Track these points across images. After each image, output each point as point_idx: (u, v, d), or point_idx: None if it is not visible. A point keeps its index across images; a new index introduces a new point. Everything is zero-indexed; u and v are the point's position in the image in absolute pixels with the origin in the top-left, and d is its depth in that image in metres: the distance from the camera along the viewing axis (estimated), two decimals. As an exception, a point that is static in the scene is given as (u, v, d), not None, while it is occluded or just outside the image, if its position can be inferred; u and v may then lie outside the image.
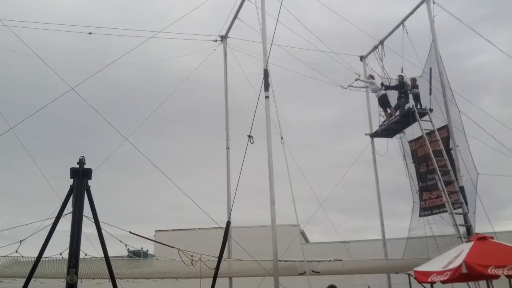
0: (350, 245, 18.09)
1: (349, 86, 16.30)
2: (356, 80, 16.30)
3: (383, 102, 16.01)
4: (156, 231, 21.94)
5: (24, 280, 6.27)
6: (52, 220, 6.20)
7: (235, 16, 14.78)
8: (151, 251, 18.55)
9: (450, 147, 14.08)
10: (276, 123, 11.22)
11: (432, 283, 9.63)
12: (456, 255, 8.95)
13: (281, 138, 10.92)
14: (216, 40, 15.94)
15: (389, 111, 15.93)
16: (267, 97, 11.02)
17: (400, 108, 15.35)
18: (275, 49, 11.35)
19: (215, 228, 10.62)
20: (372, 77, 16.45)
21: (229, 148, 14.87)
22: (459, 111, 14.36)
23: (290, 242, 11.96)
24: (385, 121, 16.17)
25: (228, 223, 9.57)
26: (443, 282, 8.79)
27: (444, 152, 13.86)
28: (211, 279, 8.61)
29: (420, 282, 10.24)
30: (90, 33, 13.86)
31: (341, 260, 12.45)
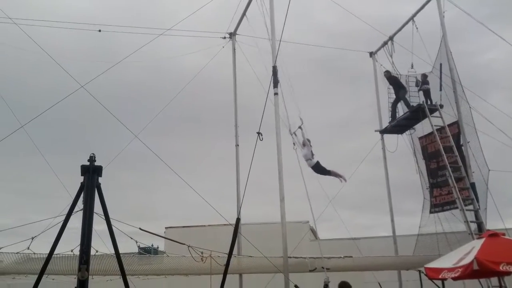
0: (360, 241, 18.03)
1: (293, 132, 13.43)
2: (299, 128, 13.34)
3: (318, 169, 13.51)
4: (166, 228, 22.03)
5: (36, 276, 6.31)
6: (63, 217, 6.24)
7: (244, 13, 14.76)
8: (161, 248, 18.61)
9: (461, 143, 13.99)
10: (285, 119, 11.23)
11: (443, 279, 9.59)
12: (467, 252, 8.89)
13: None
14: (224, 37, 15.94)
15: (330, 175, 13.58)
16: (276, 94, 11.02)
17: (403, 100, 15.38)
18: (283, 47, 11.32)
19: (224, 225, 10.64)
20: (308, 140, 13.44)
21: (238, 145, 14.88)
22: (470, 107, 14.25)
23: (300, 239, 11.94)
24: (393, 120, 16.09)
25: (238, 220, 9.59)
26: (454, 278, 8.73)
27: (454, 148, 13.76)
28: (221, 275, 8.65)
29: (431, 279, 10.20)
30: (99, 30, 13.97)
31: (351, 256, 12.42)
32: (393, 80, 15.88)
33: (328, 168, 13.29)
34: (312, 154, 13.32)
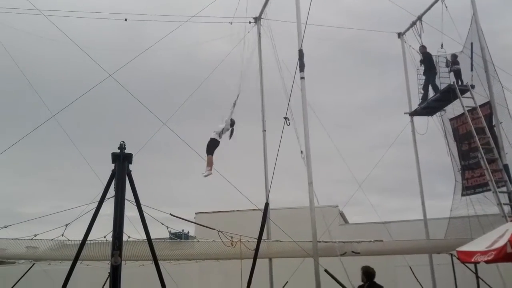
0: (390, 225, 17.84)
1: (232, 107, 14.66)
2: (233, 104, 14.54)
3: (208, 145, 13.37)
4: (196, 213, 22.24)
5: (70, 262, 6.47)
6: (96, 204, 6.37)
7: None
8: (191, 233, 18.83)
9: (493, 124, 13.65)
10: (311, 105, 11.17)
11: (475, 263, 9.43)
12: (500, 235, 8.72)
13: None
14: (250, 22, 15.84)
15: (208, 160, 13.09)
16: (302, 78, 10.90)
17: (432, 85, 15.08)
18: (309, 30, 11.16)
19: (253, 210, 10.69)
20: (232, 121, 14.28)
21: (265, 130, 14.83)
22: (503, 87, 13.88)
23: (329, 223, 11.87)
24: (424, 99, 15.79)
25: (267, 204, 9.63)
26: (487, 262, 8.58)
27: (487, 130, 13.42)
28: (251, 260, 8.72)
29: (463, 262, 10.05)
30: (125, 19, 14.08)
31: (382, 240, 12.32)
32: (427, 57, 15.49)
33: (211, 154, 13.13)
34: (221, 134, 13.66)
